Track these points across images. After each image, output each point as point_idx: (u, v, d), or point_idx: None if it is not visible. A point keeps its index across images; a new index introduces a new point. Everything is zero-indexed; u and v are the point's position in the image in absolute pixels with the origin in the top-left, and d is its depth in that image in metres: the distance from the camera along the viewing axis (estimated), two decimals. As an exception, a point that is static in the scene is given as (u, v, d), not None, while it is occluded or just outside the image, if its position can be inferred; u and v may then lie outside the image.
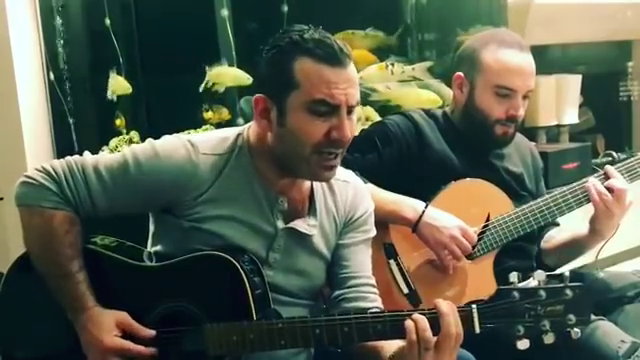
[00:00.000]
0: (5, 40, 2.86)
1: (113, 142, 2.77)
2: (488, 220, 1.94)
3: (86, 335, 1.48)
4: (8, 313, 1.60)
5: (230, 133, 1.58)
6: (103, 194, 1.50)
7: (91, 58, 2.97)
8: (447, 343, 1.37)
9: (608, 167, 1.94)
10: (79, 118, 2.95)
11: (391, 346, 1.48)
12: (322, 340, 1.42)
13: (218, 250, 1.49)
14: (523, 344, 1.37)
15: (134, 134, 2.76)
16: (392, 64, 2.66)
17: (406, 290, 1.88)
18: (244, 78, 2.43)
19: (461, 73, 2.01)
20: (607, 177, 1.92)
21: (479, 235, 1.91)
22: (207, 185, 1.51)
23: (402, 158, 1.98)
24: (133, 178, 1.49)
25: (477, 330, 1.39)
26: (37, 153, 2.90)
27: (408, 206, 1.87)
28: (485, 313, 1.39)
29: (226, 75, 2.45)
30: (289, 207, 1.57)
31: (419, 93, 2.68)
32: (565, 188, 1.97)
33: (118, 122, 2.84)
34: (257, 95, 1.49)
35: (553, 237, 2.11)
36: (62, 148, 2.96)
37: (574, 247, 2.05)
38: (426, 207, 1.86)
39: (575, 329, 1.37)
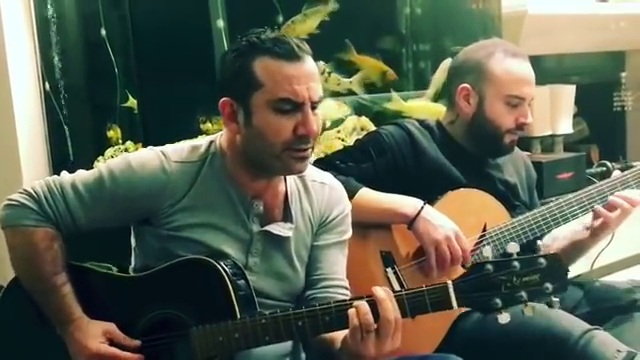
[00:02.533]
0: (0, 50, 2.87)
1: (109, 152, 2.77)
2: (485, 230, 1.95)
3: (73, 345, 1.50)
4: (6, 328, 1.61)
5: (202, 142, 1.61)
6: (81, 208, 1.53)
7: (87, 68, 2.97)
8: (387, 329, 1.38)
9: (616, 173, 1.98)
10: (75, 128, 2.95)
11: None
12: (305, 332, 1.43)
13: (201, 256, 1.50)
14: (503, 318, 1.38)
15: (130, 144, 2.76)
16: (329, 72, 2.62)
17: (403, 299, 1.88)
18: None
19: (467, 85, 2.01)
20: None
21: (476, 244, 1.91)
22: (182, 193, 1.53)
23: (397, 168, 1.98)
24: (109, 190, 1.53)
25: (455, 306, 1.40)
26: (33, 163, 2.90)
27: (406, 203, 1.87)
28: (461, 288, 1.40)
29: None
30: (265, 211, 1.59)
31: (431, 106, 2.68)
32: (561, 200, 1.97)
33: (110, 133, 2.84)
34: (222, 99, 1.52)
35: (548, 246, 2.11)
36: (57, 158, 2.96)
37: (574, 252, 2.06)
38: (425, 204, 1.86)
39: (554, 298, 1.38)
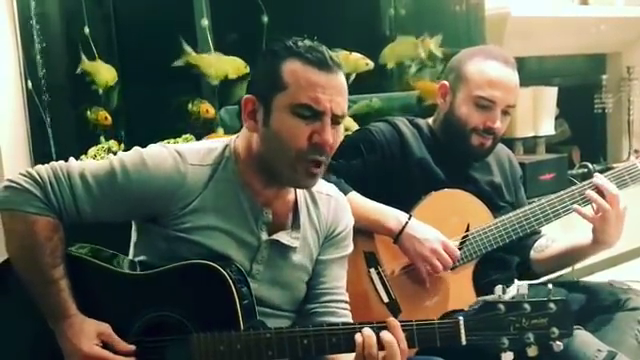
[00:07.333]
0: (-18, 48, 2.84)
1: (92, 151, 2.75)
2: (468, 230, 1.96)
3: (66, 343, 1.46)
4: None
5: (217, 144, 1.58)
6: (89, 201, 1.48)
7: (70, 67, 2.95)
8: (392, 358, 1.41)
9: (597, 177, 1.96)
10: (57, 127, 2.93)
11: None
12: (310, 350, 1.43)
13: (206, 259, 1.48)
14: (507, 357, 1.40)
15: (113, 143, 2.75)
16: None
17: (386, 299, 1.89)
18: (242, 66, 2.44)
19: (446, 82, 2.04)
20: (596, 188, 1.94)
21: (459, 245, 1.92)
22: (194, 195, 1.51)
23: (385, 166, 1.99)
24: (120, 186, 1.48)
25: (463, 342, 1.42)
26: (14, 162, 2.86)
27: (391, 216, 1.88)
28: (471, 325, 1.42)
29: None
30: (274, 219, 1.57)
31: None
32: (543, 200, 1.98)
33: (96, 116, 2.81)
34: (246, 96, 1.51)
35: (546, 246, 2.11)
36: (40, 157, 2.93)
37: (573, 256, 2.07)
38: (409, 218, 1.88)
39: (557, 342, 1.40)
